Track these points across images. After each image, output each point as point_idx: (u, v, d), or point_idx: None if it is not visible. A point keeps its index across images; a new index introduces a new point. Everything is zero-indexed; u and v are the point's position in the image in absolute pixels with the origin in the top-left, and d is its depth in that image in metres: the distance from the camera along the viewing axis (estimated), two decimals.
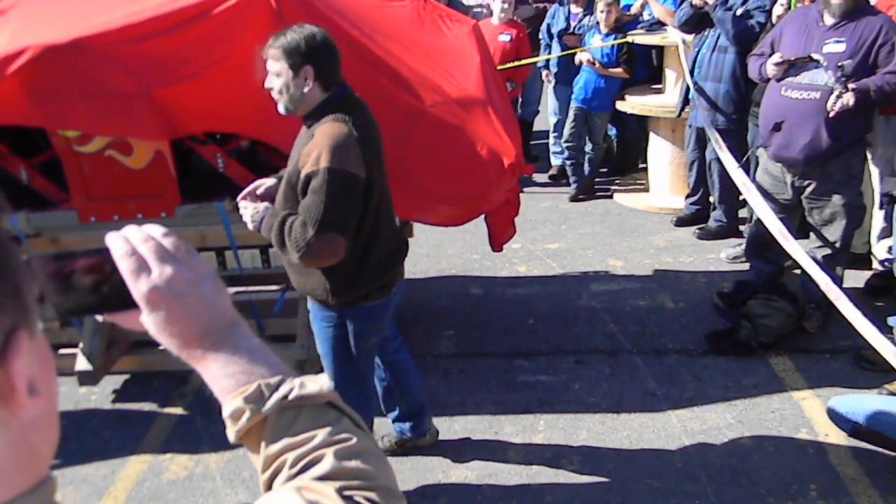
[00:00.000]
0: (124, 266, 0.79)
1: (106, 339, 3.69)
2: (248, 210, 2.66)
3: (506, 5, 6.39)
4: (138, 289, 0.79)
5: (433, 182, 3.54)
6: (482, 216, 3.86)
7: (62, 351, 3.74)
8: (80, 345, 3.63)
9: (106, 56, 3.07)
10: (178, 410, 3.87)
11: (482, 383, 3.97)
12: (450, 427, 3.64)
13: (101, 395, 4.03)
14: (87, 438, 3.68)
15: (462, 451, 3.48)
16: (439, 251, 5.58)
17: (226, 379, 0.81)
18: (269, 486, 0.81)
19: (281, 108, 2.63)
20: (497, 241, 3.98)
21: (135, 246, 0.81)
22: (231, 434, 0.82)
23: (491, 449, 3.48)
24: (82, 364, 3.58)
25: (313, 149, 2.50)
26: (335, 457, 0.78)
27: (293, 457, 0.79)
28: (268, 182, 2.76)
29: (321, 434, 0.80)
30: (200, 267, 0.84)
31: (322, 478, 0.77)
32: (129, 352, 3.86)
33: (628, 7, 6.86)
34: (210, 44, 3.21)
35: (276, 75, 2.58)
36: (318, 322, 2.88)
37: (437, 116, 3.51)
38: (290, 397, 0.80)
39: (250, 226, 2.66)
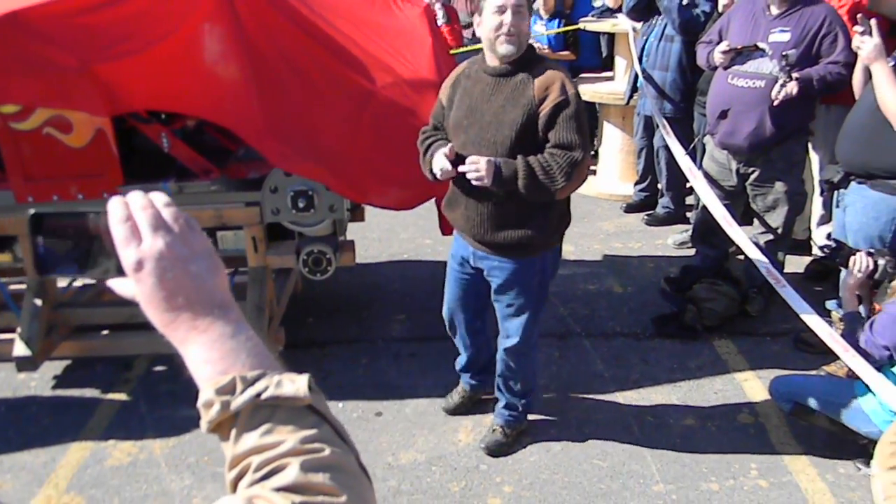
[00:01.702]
0: (116, 232, 0.77)
1: (45, 323, 3.58)
2: (475, 167, 2.68)
3: None
4: (126, 257, 0.76)
5: (385, 164, 3.52)
6: (434, 200, 3.85)
7: (0, 336, 3.62)
8: (18, 330, 3.51)
9: (42, 30, 2.96)
10: (122, 396, 3.78)
11: (433, 367, 3.98)
12: (400, 410, 3.63)
13: (41, 382, 3.91)
14: (26, 425, 3.57)
15: (412, 434, 3.48)
16: (391, 235, 5.56)
17: (205, 365, 0.77)
18: (234, 488, 0.75)
19: (515, 49, 2.74)
20: (447, 224, 3.97)
21: (131, 212, 0.78)
22: (202, 425, 0.77)
23: (441, 432, 3.49)
24: (20, 349, 3.47)
25: (552, 81, 2.73)
26: (301, 468, 0.72)
27: (259, 460, 0.73)
28: (445, 149, 2.81)
29: (291, 440, 0.74)
30: (198, 243, 0.80)
31: (283, 489, 0.71)
32: (71, 337, 3.75)
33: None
34: (154, 19, 3.11)
35: (522, 17, 2.73)
36: (520, 276, 2.99)
37: (389, 98, 3.48)
38: (264, 396, 0.75)
39: (488, 182, 2.69)
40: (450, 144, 2.83)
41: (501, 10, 2.69)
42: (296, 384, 0.77)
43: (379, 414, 3.62)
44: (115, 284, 0.81)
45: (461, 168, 2.73)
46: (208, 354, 0.77)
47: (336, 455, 0.75)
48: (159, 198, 0.81)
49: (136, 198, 0.80)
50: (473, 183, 2.73)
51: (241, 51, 3.19)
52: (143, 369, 4.00)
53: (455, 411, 3.61)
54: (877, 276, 3.13)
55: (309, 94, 3.40)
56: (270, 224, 3.66)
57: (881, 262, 3.12)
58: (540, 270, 3.04)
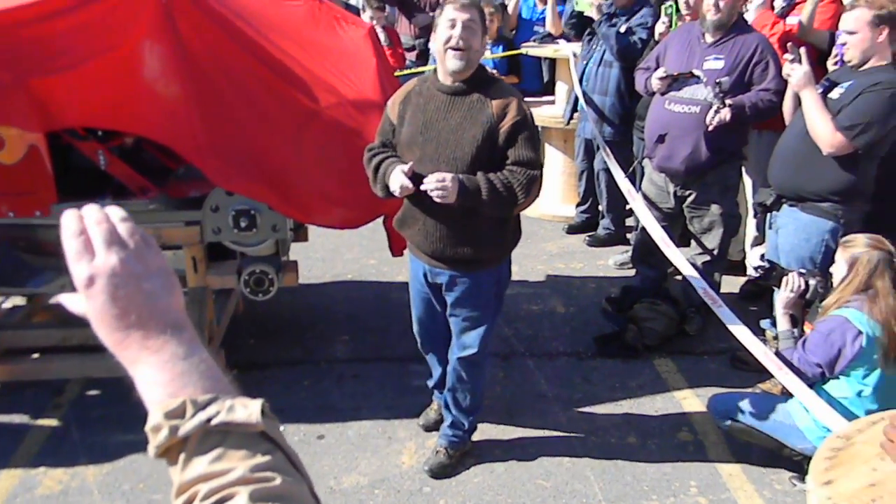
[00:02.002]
0: (69, 246, 0.73)
1: None
2: (435, 184, 2.70)
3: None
4: (77, 272, 0.73)
5: (328, 184, 3.50)
6: (381, 221, 3.84)
7: None
8: None
9: None
10: (53, 422, 3.64)
11: (377, 388, 3.95)
12: (342, 433, 3.59)
13: None
14: None
15: (355, 456, 3.44)
16: (335, 256, 5.51)
17: (155, 387, 0.74)
18: None
19: (463, 64, 2.77)
20: (397, 245, 3.97)
21: (86, 226, 0.75)
22: (150, 450, 0.73)
23: (384, 454, 3.45)
24: None
25: (510, 100, 2.82)
26: (250, 498, 0.68)
27: (206, 489, 0.70)
28: (404, 167, 2.82)
29: (242, 468, 0.71)
30: (153, 260, 0.77)
31: None
32: None
33: (534, 18, 7.02)
34: (92, 34, 3.05)
35: (472, 32, 2.77)
36: (481, 288, 3.05)
37: (333, 118, 3.47)
38: (214, 421, 0.72)
39: (452, 198, 2.71)
40: (409, 163, 2.83)
41: (453, 24, 2.75)
42: (248, 409, 0.74)
43: (321, 437, 3.57)
44: (65, 300, 0.78)
45: (425, 184, 2.72)
46: (159, 376, 0.74)
47: (287, 484, 0.72)
48: (115, 212, 0.78)
49: (91, 211, 0.77)
50: (436, 199, 2.74)
51: (183, 68, 3.14)
52: (75, 394, 3.86)
53: (432, 427, 3.59)
54: (808, 295, 3.24)
55: (252, 113, 3.36)
56: (211, 244, 3.60)
57: (812, 282, 3.23)
58: (496, 281, 3.12)
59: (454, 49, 2.76)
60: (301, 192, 3.46)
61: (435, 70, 2.96)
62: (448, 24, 2.76)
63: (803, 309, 3.30)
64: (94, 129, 3.53)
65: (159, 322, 0.76)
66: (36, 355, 3.67)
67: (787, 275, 3.26)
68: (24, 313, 3.91)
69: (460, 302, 3.09)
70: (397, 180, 2.81)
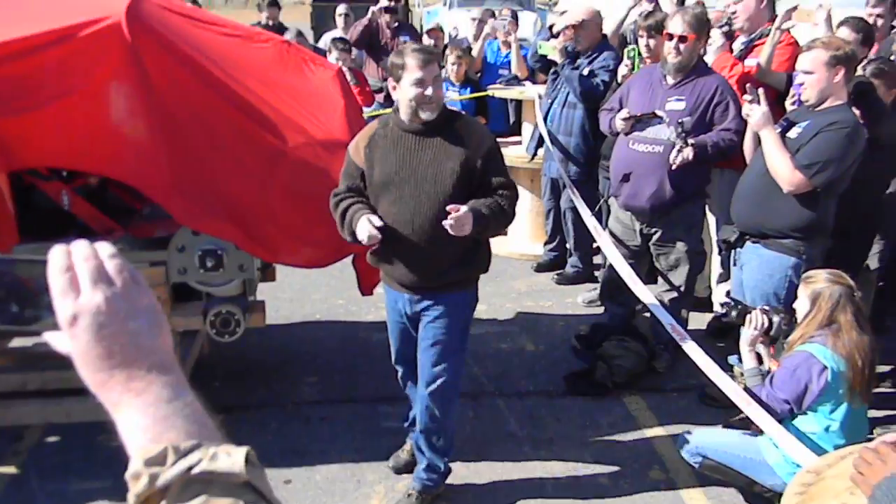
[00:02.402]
0: (54, 283, 0.71)
1: None
2: (461, 220, 2.81)
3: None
4: (61, 310, 0.71)
5: (296, 223, 3.48)
6: (350, 260, 3.83)
7: None
8: None
9: None
10: (11, 469, 3.52)
11: (345, 430, 3.89)
12: (310, 477, 3.52)
13: None
14: None
15: (323, 501, 3.36)
16: (303, 296, 5.46)
17: (137, 432, 0.71)
18: None
19: (436, 114, 2.94)
20: (366, 284, 3.95)
21: (72, 263, 0.73)
22: (129, 498, 0.69)
23: (353, 499, 3.39)
24: None
25: (479, 131, 3.10)
26: None
27: None
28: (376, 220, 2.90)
29: None
30: (141, 299, 0.75)
31: None
32: None
33: (498, 63, 7.15)
34: (57, 75, 3.03)
35: (439, 85, 2.97)
36: (457, 310, 3.13)
37: (301, 157, 3.47)
38: (196, 470, 0.69)
39: (468, 229, 2.84)
40: (377, 217, 2.92)
41: (420, 83, 2.88)
42: (232, 458, 0.71)
43: (288, 482, 3.49)
44: (50, 338, 0.76)
45: (446, 223, 2.82)
46: (141, 420, 0.72)
47: None
48: (105, 248, 0.76)
49: (79, 247, 0.75)
50: (452, 233, 2.84)
51: (149, 107, 3.13)
52: (34, 440, 3.74)
53: (402, 469, 3.53)
54: (772, 333, 3.26)
55: (219, 152, 3.35)
56: (176, 284, 3.54)
57: (776, 319, 3.26)
58: (469, 304, 3.23)
59: (428, 103, 2.91)
60: (269, 231, 3.43)
61: (394, 111, 3.06)
62: (415, 81, 2.88)
63: (769, 346, 3.33)
64: (59, 170, 3.49)
65: (144, 363, 0.74)
66: None
67: (750, 313, 3.29)
68: None
69: (436, 325, 3.13)
70: (365, 230, 2.89)
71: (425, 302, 3.12)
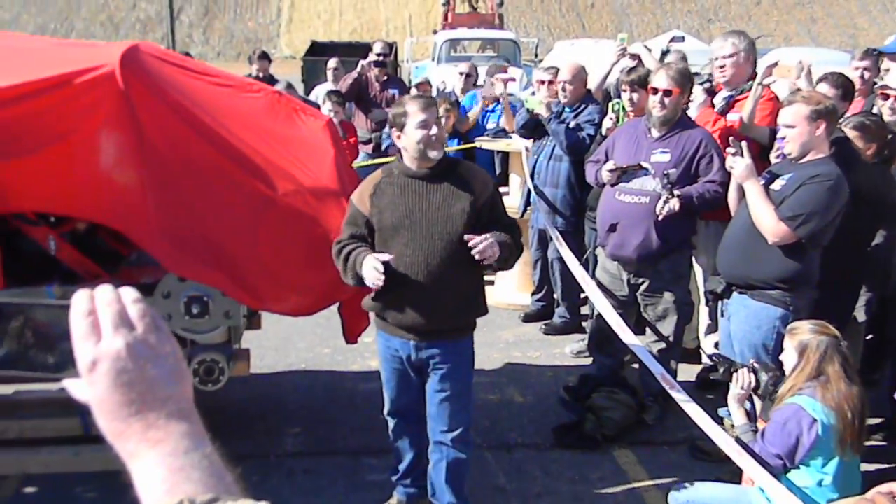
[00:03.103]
0: (76, 327, 0.70)
1: None
2: (489, 249, 2.97)
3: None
4: (81, 355, 0.70)
5: (284, 270, 3.47)
6: (336, 307, 3.80)
7: None
8: None
9: None
10: None
11: (328, 484, 3.81)
12: None
13: None
14: None
15: None
16: (288, 344, 5.41)
17: (153, 483, 0.69)
18: None
19: (441, 153, 3.14)
20: (351, 331, 3.92)
21: (95, 307, 0.72)
22: None
23: None
24: None
25: (482, 175, 3.29)
26: None
27: None
28: (384, 257, 3.00)
29: None
30: (162, 345, 0.74)
31: None
32: None
33: (465, 112, 7.26)
34: (50, 121, 3.05)
35: (440, 126, 3.17)
36: (465, 356, 3.30)
37: (290, 205, 3.47)
38: None
39: (497, 251, 3.00)
40: (385, 255, 3.02)
41: (424, 124, 3.04)
42: None
43: None
44: (68, 385, 0.75)
45: (477, 252, 2.97)
46: (157, 471, 0.70)
47: None
48: (128, 293, 0.75)
49: (103, 291, 0.74)
50: (482, 257, 2.98)
51: (139, 154, 3.14)
52: (11, 490, 3.63)
53: None
54: (759, 391, 3.23)
55: (207, 199, 3.35)
56: None
57: (763, 377, 3.20)
58: (471, 350, 3.36)
59: (435, 143, 3.09)
60: (255, 278, 3.41)
61: (398, 159, 3.21)
62: (419, 124, 3.05)
63: (763, 401, 3.29)
64: (46, 214, 3.47)
65: (162, 411, 0.72)
66: None
67: (737, 370, 3.26)
68: None
69: (450, 374, 3.21)
70: (370, 266, 2.97)
71: (431, 349, 3.19)
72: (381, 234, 3.15)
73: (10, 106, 2.97)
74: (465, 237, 2.99)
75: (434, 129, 3.07)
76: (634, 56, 5.69)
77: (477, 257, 2.98)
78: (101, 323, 0.72)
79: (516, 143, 6.31)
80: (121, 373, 0.71)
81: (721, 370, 3.30)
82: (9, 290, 3.23)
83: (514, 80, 7.70)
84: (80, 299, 0.73)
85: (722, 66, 4.61)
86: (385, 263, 3.01)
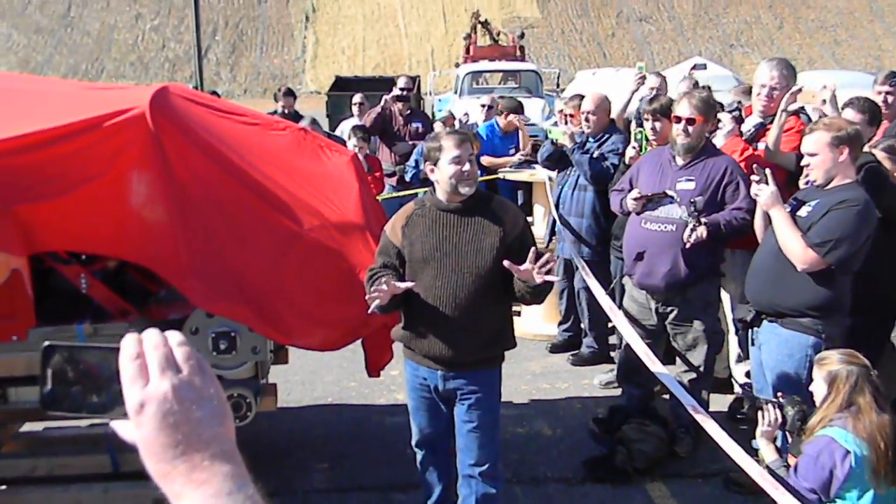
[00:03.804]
0: (125, 370, 0.73)
1: None
2: (537, 267, 2.95)
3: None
4: (129, 397, 0.73)
5: (311, 305, 3.49)
6: (360, 341, 3.81)
7: None
8: None
9: None
10: None
11: None
12: None
13: None
14: None
15: None
16: (315, 378, 5.42)
17: None
18: None
19: (473, 189, 3.17)
20: (374, 365, 3.92)
21: (143, 350, 0.75)
22: None
23: None
24: None
25: (513, 211, 3.31)
26: None
27: None
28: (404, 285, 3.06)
29: None
30: (206, 387, 0.77)
31: None
32: None
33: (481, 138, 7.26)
34: (80, 163, 3.12)
35: (473, 162, 3.19)
36: (494, 387, 3.31)
37: (316, 239, 3.51)
38: None
39: (540, 279, 2.97)
40: (402, 285, 3.05)
41: (459, 160, 3.09)
42: None
43: None
44: (117, 427, 0.76)
45: (527, 271, 2.96)
46: None
47: None
48: (174, 336, 0.78)
49: (150, 335, 0.77)
50: (527, 278, 2.97)
51: (168, 193, 3.19)
52: None
53: None
54: (787, 426, 3.16)
55: (235, 236, 3.39)
56: None
57: (790, 412, 3.13)
58: (499, 382, 3.36)
59: (467, 179, 3.13)
60: (282, 314, 3.43)
61: (430, 192, 3.28)
62: (453, 159, 3.10)
63: (792, 435, 3.22)
64: (78, 253, 3.53)
65: (206, 452, 0.74)
66: (2, 487, 3.50)
67: (762, 406, 3.20)
68: None
69: (478, 404, 3.21)
70: (374, 292, 2.99)
71: (460, 380, 3.20)
72: (411, 266, 3.19)
73: (45, 148, 3.05)
74: (506, 263, 2.99)
75: (467, 166, 3.11)
76: (654, 87, 5.71)
77: (546, 278, 2.97)
78: (149, 365, 0.74)
79: (540, 174, 6.33)
80: (167, 415, 0.73)
81: (746, 407, 3.23)
82: (41, 328, 3.28)
83: (529, 120, 7.88)
84: (129, 343, 0.76)
85: (769, 96, 4.54)
86: (415, 294, 3.06)
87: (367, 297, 3.05)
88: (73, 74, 40.27)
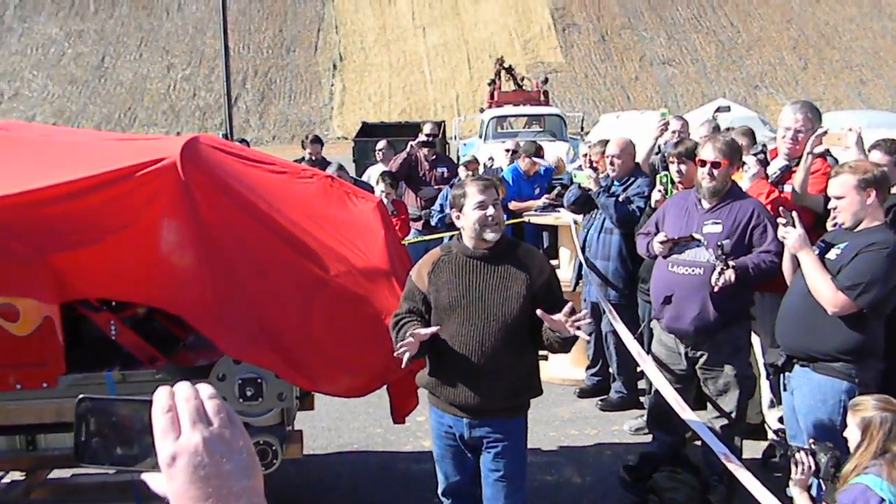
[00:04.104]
0: (157, 422, 0.75)
1: None
2: (567, 319, 2.94)
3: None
4: (161, 450, 0.74)
5: (337, 351, 3.49)
6: (385, 387, 3.80)
7: None
8: None
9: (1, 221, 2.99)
10: None
11: None
12: None
13: None
14: None
15: None
16: (341, 424, 5.39)
17: None
18: None
19: (498, 235, 3.15)
20: (399, 412, 3.91)
21: (175, 403, 0.76)
22: None
23: None
24: None
25: (539, 258, 3.31)
26: None
27: None
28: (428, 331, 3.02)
29: None
30: (237, 440, 0.77)
31: None
32: None
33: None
34: (112, 212, 3.19)
35: (498, 207, 3.19)
36: (521, 436, 3.28)
37: (342, 286, 3.53)
38: None
39: (573, 331, 2.96)
40: (427, 331, 3.02)
41: (483, 205, 3.10)
42: None
43: None
44: (149, 479, 0.78)
45: (576, 332, 2.97)
46: None
47: None
48: (205, 389, 0.79)
49: (181, 388, 0.78)
50: (556, 328, 2.97)
51: (198, 241, 3.25)
52: None
53: None
54: (821, 474, 3.08)
55: (263, 283, 3.43)
56: None
57: (823, 459, 3.06)
58: (525, 430, 3.32)
59: (492, 224, 3.13)
60: (308, 360, 3.45)
61: (456, 239, 3.29)
62: (477, 205, 3.11)
63: (826, 483, 3.13)
64: (108, 300, 3.59)
65: None
66: None
67: (795, 454, 3.13)
68: (22, 488, 3.78)
69: (504, 453, 3.17)
70: (401, 342, 2.99)
71: (486, 428, 3.18)
72: (436, 312, 3.19)
73: (80, 198, 3.13)
74: (539, 312, 2.97)
75: (491, 210, 3.12)
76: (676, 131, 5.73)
77: (577, 334, 2.97)
78: (181, 418, 0.76)
79: (565, 218, 6.34)
80: (198, 468, 0.73)
81: (779, 455, 3.16)
82: (70, 374, 3.33)
83: (546, 165, 7.98)
84: (161, 396, 0.77)
85: (794, 139, 4.52)
86: (441, 341, 3.05)
87: (395, 352, 3.05)
88: (106, 123, 41.34)
